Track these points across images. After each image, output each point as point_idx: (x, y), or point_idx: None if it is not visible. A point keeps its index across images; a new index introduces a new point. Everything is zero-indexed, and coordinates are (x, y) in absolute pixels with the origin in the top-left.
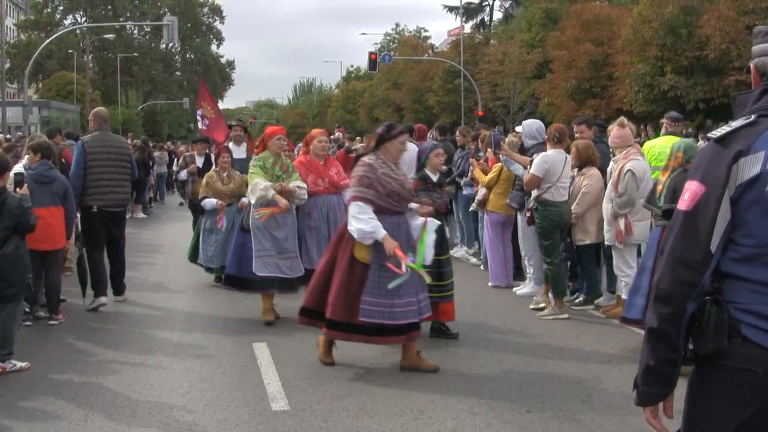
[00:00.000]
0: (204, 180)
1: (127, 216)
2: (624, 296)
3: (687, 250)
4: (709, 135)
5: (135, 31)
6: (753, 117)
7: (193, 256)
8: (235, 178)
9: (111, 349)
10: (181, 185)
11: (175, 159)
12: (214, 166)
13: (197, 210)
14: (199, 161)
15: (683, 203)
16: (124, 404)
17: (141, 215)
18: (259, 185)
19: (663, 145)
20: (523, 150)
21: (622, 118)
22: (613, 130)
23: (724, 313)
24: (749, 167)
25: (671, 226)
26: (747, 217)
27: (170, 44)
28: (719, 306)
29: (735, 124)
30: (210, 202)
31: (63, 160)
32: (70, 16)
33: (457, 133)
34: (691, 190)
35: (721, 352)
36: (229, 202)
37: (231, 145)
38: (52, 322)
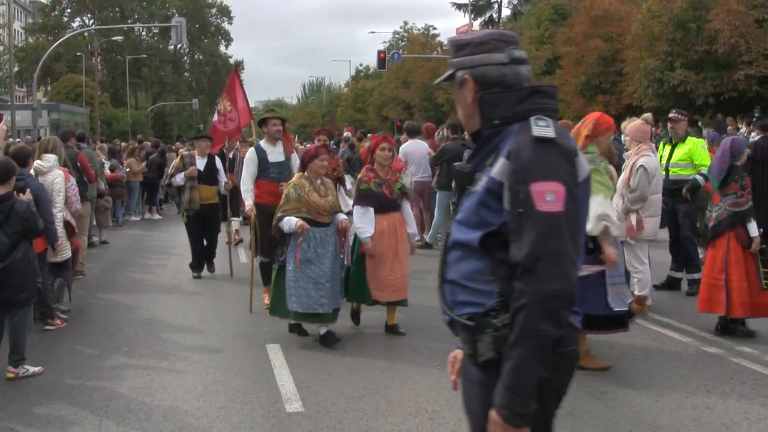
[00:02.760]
0: (291, 191)
1: (137, 218)
2: (637, 292)
3: (574, 249)
4: (538, 134)
5: (143, 33)
6: (549, 120)
7: (281, 308)
8: (332, 189)
9: (124, 354)
10: (176, 192)
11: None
12: (301, 172)
13: (192, 224)
14: (201, 163)
15: (552, 205)
16: (138, 408)
17: (157, 216)
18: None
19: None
20: None
21: (649, 115)
22: (635, 122)
23: None
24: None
25: (548, 230)
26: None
27: (179, 45)
28: None
29: (543, 123)
30: (289, 222)
31: (78, 164)
32: (78, 19)
33: (466, 133)
34: (554, 191)
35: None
36: (328, 221)
37: (263, 143)
38: (47, 327)
